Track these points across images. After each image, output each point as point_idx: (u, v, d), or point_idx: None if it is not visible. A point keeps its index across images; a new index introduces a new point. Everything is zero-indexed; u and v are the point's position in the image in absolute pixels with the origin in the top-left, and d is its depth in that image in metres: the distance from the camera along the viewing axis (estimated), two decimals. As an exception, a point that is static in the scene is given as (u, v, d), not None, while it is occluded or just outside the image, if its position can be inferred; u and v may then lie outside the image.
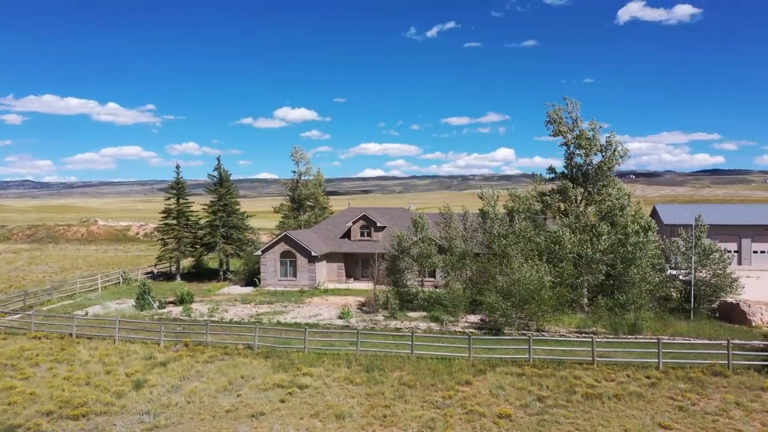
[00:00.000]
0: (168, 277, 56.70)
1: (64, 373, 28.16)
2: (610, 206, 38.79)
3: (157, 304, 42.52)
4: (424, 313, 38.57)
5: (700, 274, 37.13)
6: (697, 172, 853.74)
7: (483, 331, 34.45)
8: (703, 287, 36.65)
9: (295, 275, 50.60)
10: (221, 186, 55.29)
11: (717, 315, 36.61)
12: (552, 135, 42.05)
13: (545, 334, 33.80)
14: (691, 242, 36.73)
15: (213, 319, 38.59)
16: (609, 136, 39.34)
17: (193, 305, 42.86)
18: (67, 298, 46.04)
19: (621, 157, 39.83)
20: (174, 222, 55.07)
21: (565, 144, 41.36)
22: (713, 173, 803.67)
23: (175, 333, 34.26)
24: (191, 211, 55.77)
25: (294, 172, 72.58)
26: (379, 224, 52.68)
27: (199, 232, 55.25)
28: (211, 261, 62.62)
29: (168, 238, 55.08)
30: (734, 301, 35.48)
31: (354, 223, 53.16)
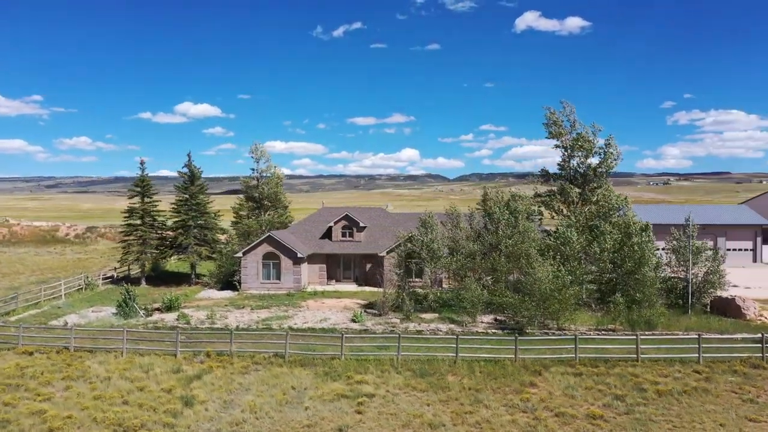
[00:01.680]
0: (130, 281, 52.59)
1: (89, 392, 25.28)
2: (608, 206, 40.17)
3: (143, 311, 39.31)
4: (436, 315, 38.20)
5: (692, 272, 39.24)
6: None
7: (506, 331, 34.57)
8: (698, 284, 38.77)
9: (278, 278, 48.54)
10: (192, 184, 52.01)
11: (709, 310, 38.85)
12: (549, 137, 43.04)
13: (567, 332, 34.42)
14: (687, 241, 38.74)
15: (216, 326, 36.21)
16: (608, 139, 40.76)
17: (182, 311, 40.01)
18: (32, 307, 41.50)
19: (615, 159, 41.37)
20: (138, 222, 51.14)
21: (562, 146, 42.42)
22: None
23: (182, 343, 31.74)
24: (157, 211, 52.06)
25: (253, 170, 69.82)
26: (361, 224, 51.65)
27: (167, 233, 51.64)
28: (172, 264, 58.85)
29: (132, 240, 51.13)
30: (729, 297, 37.83)
31: (336, 223, 51.80)
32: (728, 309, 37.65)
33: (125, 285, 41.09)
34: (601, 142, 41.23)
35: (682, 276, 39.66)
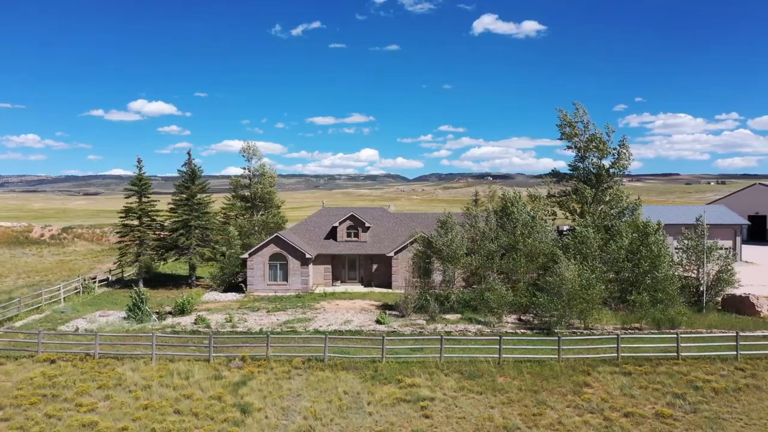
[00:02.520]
0: (125, 284, 50.64)
1: (132, 401, 24.08)
2: (622, 206, 40.70)
3: (155, 315, 37.82)
4: (458, 315, 37.95)
5: (704, 270, 40.11)
6: (543, 174, 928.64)
7: (534, 331, 34.59)
8: (710, 282, 39.66)
9: (285, 279, 47.47)
10: (193, 182, 50.38)
11: (721, 308, 39.74)
12: (562, 138, 43.38)
13: (594, 331, 34.69)
14: (702, 240, 39.57)
15: (238, 330, 35.07)
16: (622, 140, 41.30)
17: (194, 315, 38.69)
18: (34, 311, 39.38)
19: (627, 159, 41.97)
20: (136, 222, 49.23)
21: (575, 147, 42.78)
22: (555, 176, 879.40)
23: (207, 347, 30.57)
24: (156, 211, 50.22)
25: (245, 168, 68.37)
26: (367, 224, 51.02)
27: (165, 233, 49.86)
28: (165, 266, 56.91)
29: (129, 241, 49.22)
30: (743, 294, 38.80)
31: (341, 223, 51.01)
32: (742, 306, 38.58)
33: (135, 288, 39.40)
34: (611, 142, 41.72)
35: (692, 275, 40.49)
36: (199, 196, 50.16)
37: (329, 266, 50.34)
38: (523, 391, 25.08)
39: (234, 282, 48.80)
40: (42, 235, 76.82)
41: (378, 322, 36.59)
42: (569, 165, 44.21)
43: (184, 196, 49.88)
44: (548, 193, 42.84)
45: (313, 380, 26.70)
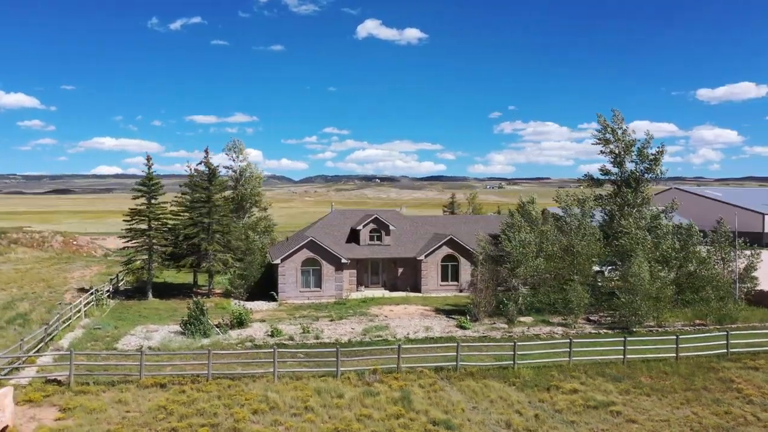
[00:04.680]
0: (128, 295, 45.57)
1: (309, 425, 21.70)
2: (658, 210, 42.93)
3: (218, 328, 34.42)
4: (531, 318, 38.04)
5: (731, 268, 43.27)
6: (425, 177, 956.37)
7: (616, 331, 35.47)
8: (738, 279, 42.85)
9: (319, 285, 45.08)
10: (211, 183, 46.35)
11: (746, 303, 42.99)
12: (599, 143, 44.94)
13: (668, 328, 36.26)
14: (734, 239, 42.62)
15: (324, 341, 32.77)
16: (660, 147, 43.50)
17: (255, 326, 35.74)
18: (67, 329, 34.19)
19: (662, 166, 44.32)
20: (145, 227, 44.42)
21: (611, 152, 44.48)
22: (439, 179, 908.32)
23: (300, 362, 28.36)
24: (166, 215, 45.64)
25: (228, 168, 64.49)
26: (391, 227, 49.73)
27: (180, 240, 45.42)
28: (166, 275, 51.66)
29: (138, 247, 44.37)
30: (772, 290, 42.31)
31: (364, 226, 49.28)
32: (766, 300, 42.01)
33: (195, 299, 35.34)
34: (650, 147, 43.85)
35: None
36: (216, 196, 46.27)
37: (354, 271, 48.46)
38: (684, 391, 25.64)
39: (267, 290, 45.50)
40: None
41: (461, 326, 35.78)
42: (600, 169, 45.85)
43: (202, 197, 45.76)
44: (595, 196, 44.07)
45: (468, 390, 25.56)
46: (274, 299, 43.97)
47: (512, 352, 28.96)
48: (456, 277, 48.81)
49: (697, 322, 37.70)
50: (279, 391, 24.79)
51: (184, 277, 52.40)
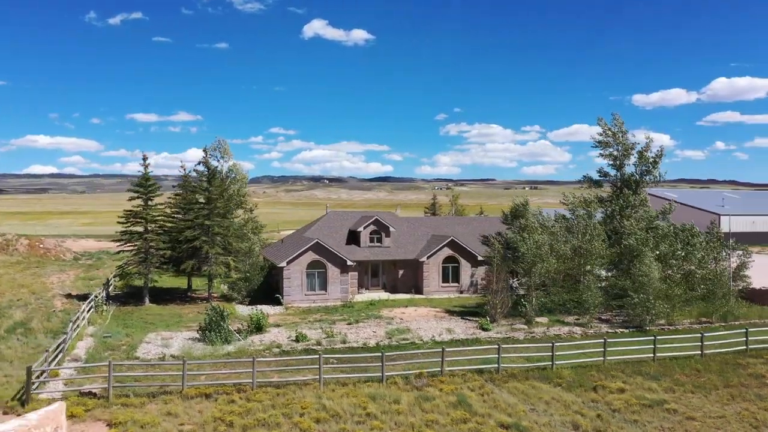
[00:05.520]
0: (121, 301, 43.52)
1: (381, 432, 21.16)
2: (659, 211, 44.24)
3: (238, 334, 33.27)
4: (546, 318, 38.42)
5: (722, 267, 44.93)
6: (373, 178, 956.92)
7: (631, 329, 36.30)
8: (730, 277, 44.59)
9: (324, 288, 44.23)
10: (211, 184, 44.78)
11: (738, 299, 44.74)
12: (597, 145, 45.94)
13: (678, 326, 37.36)
14: (728, 240, 44.32)
15: (352, 345, 32.16)
16: (660, 149, 44.79)
17: (273, 331, 34.76)
18: (77, 339, 32.22)
19: (659, 168, 45.69)
20: (141, 229, 42.51)
21: (611, 155, 45.54)
22: (387, 180, 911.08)
23: (334, 367, 27.72)
24: (165, 216, 43.79)
25: (208, 169, 62.53)
26: (391, 229, 49.34)
27: (180, 242, 43.66)
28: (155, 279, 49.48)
29: (134, 250, 42.44)
30: (762, 288, 44.16)
31: (365, 228, 48.70)
32: (758, 298, 43.88)
33: (214, 304, 34.04)
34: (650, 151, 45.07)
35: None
36: (222, 199, 44.75)
37: (355, 273, 47.82)
38: (724, 387, 26.40)
39: (272, 293, 44.31)
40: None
41: (482, 328, 35.78)
42: (598, 171, 46.91)
43: (201, 198, 44.21)
44: (598, 198, 44.96)
45: (517, 392, 25.54)
46: (278, 303, 42.88)
47: (543, 353, 29.24)
48: (456, 278, 48.89)
49: (703, 319, 38.97)
50: (332, 398, 24.12)
51: (176, 282, 50.57)
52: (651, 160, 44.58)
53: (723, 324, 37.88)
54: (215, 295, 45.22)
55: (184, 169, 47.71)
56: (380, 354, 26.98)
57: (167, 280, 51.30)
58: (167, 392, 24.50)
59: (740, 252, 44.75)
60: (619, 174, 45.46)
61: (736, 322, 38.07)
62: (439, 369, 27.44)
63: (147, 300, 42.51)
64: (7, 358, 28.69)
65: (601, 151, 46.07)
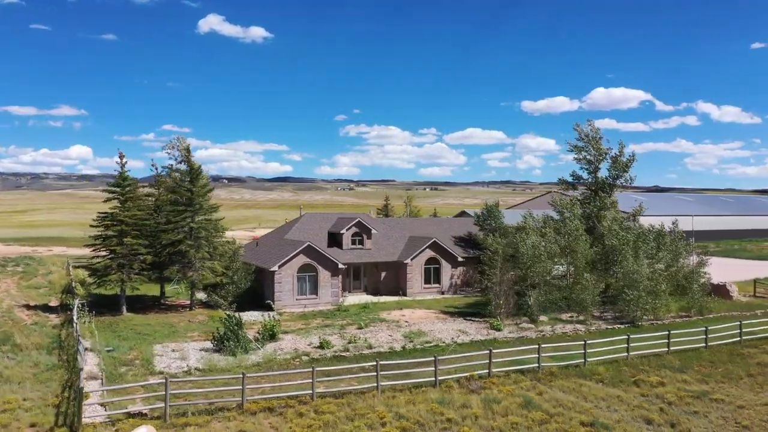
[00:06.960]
0: (98, 312, 39.92)
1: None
2: (629, 213, 46.97)
3: (256, 342, 31.62)
4: (546, 317, 39.52)
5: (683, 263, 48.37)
6: (273, 179, 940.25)
7: (625, 325, 38.25)
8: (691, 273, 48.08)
9: (315, 292, 42.97)
10: (193, 184, 42.08)
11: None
12: (572, 150, 47.99)
13: (665, 321, 39.81)
14: (690, 239, 47.76)
15: (381, 350, 31.53)
16: (632, 154, 47.40)
17: (286, 338, 33.39)
18: (77, 354, 29.14)
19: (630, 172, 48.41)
20: (116, 234, 39.20)
21: (586, 160, 47.75)
22: (287, 180, 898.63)
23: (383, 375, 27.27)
24: (143, 220, 40.59)
25: (168, 167, 58.89)
26: (373, 231, 48.82)
27: (161, 247, 40.67)
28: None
29: (109, 256, 39.13)
30: (720, 283, 47.97)
31: (347, 230, 47.82)
32: (718, 292, 47.66)
33: (227, 313, 31.94)
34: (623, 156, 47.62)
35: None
36: (201, 199, 42.21)
37: (339, 276, 46.88)
38: (747, 377, 28.40)
39: (262, 299, 42.35)
40: None
41: (494, 328, 36.24)
42: (571, 174, 48.93)
43: (182, 199, 41.52)
44: (577, 199, 46.83)
45: (569, 390, 26.06)
46: (268, 308, 41.12)
47: (563, 353, 30.22)
48: (438, 279, 49.24)
49: (682, 314, 41.78)
50: (399, 405, 23.50)
51: (144, 288, 47.13)
52: (623, 164, 47.08)
53: (700, 317, 40.79)
54: (197, 302, 42.67)
55: (155, 168, 44.59)
56: (433, 358, 26.63)
57: (139, 288, 47.75)
58: (224, 408, 22.85)
59: (699, 250, 48.41)
60: (593, 177, 47.65)
61: (710, 315, 41.17)
62: (487, 371, 27.52)
63: (124, 309, 39.38)
64: (13, 378, 25.58)
65: (576, 155, 48.04)
